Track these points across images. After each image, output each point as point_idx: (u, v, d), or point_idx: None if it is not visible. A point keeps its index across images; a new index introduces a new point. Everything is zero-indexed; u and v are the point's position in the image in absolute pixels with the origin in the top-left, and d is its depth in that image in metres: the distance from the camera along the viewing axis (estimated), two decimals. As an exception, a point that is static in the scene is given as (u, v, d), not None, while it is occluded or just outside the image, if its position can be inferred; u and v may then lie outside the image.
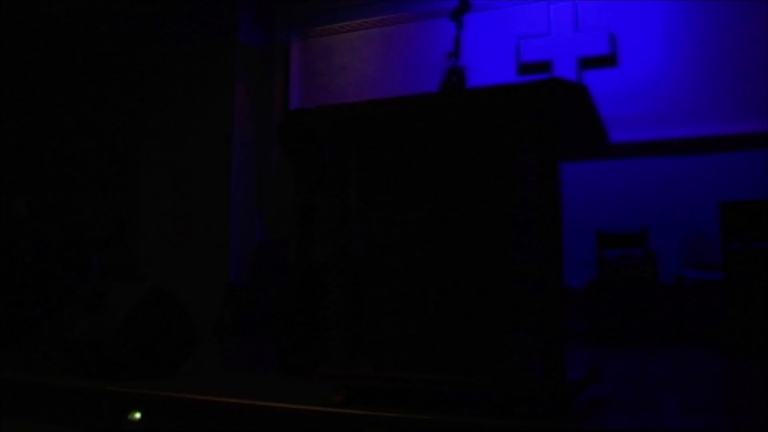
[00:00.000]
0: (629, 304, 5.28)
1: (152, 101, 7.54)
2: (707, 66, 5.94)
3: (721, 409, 2.74)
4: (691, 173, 5.83)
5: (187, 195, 7.16)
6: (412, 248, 2.55)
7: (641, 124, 5.98)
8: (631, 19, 6.22)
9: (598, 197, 5.88)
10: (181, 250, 7.04)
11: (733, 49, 5.86)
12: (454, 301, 2.47)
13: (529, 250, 2.39)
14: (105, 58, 7.90)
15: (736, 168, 5.64)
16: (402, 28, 7.10)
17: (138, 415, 2.76)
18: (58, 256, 6.12)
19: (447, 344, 2.47)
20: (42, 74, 8.11)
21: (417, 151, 2.60)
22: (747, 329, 4.36)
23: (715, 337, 4.68)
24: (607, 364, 4.04)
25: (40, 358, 4.16)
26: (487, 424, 2.26)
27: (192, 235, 7.04)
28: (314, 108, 2.82)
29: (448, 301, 2.48)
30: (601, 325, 5.33)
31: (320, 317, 3.22)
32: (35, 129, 8.11)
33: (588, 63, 6.28)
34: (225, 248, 6.97)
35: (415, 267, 2.54)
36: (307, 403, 2.52)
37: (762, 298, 4.36)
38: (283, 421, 2.51)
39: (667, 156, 5.96)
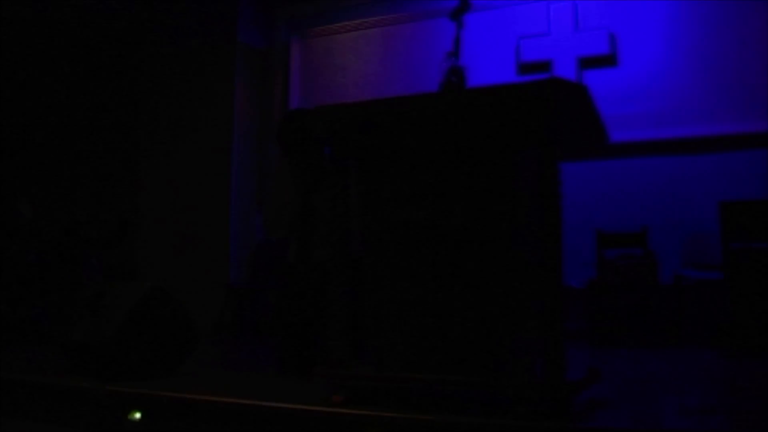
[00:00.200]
0: (629, 304, 5.28)
1: (152, 101, 7.55)
2: (707, 66, 5.95)
3: (721, 409, 2.73)
4: (691, 173, 5.83)
5: (187, 195, 7.16)
6: (412, 248, 2.55)
7: (641, 124, 5.98)
8: (631, 19, 6.22)
9: (598, 197, 5.89)
10: (181, 250, 7.04)
11: (733, 49, 5.87)
12: (453, 302, 2.47)
13: (530, 250, 2.39)
14: (105, 58, 7.90)
15: (736, 168, 5.64)
16: (402, 28, 7.10)
17: (138, 415, 2.75)
18: (58, 256, 6.12)
19: (447, 344, 2.47)
20: (42, 74, 8.11)
21: (417, 151, 2.60)
22: (747, 329, 4.36)
23: (715, 337, 4.69)
24: (607, 364, 4.06)
25: (40, 358, 4.16)
26: (487, 424, 2.25)
27: (192, 236, 7.04)
28: (314, 108, 2.82)
29: (448, 302, 2.48)
30: (601, 325, 5.33)
31: (320, 317, 3.22)
32: (35, 129, 8.10)
33: (588, 63, 6.28)
34: (225, 248, 6.97)
35: (414, 267, 2.54)
36: (307, 403, 2.52)
37: (762, 298, 4.36)
38: (283, 421, 2.51)
39: (667, 156, 5.96)
